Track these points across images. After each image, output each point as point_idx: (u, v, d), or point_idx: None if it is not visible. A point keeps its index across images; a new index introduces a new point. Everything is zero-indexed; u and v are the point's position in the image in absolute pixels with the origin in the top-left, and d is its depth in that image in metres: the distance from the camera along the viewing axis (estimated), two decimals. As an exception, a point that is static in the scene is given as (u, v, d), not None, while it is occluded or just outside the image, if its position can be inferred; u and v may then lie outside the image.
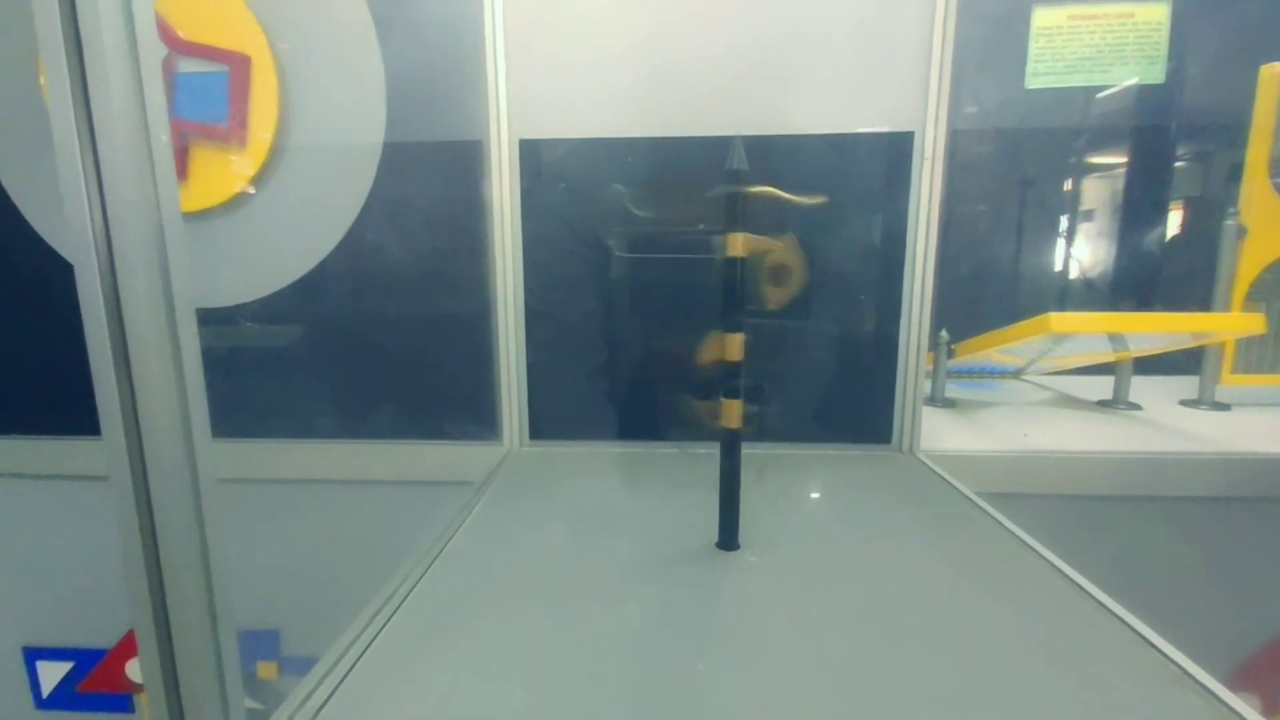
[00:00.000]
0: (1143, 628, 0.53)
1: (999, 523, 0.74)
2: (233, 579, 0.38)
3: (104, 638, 1.14)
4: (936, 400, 1.32)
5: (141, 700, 1.15)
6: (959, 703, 0.45)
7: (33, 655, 1.16)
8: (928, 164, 0.93)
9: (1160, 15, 1.57)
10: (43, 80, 1.00)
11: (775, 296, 0.60)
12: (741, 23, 0.93)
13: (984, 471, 0.93)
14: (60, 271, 1.07)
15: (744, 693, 0.46)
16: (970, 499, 0.81)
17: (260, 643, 1.08)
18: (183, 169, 1.05)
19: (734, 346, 0.62)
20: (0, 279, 1.10)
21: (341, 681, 0.47)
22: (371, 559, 0.96)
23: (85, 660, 1.15)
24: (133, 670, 1.14)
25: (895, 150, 0.94)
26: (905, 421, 0.99)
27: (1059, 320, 0.98)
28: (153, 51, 0.34)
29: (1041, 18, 1.59)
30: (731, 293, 0.61)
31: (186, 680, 0.35)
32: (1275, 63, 1.24)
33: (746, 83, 0.94)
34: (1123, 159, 1.65)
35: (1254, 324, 0.99)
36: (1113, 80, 1.60)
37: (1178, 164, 1.61)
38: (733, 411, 0.63)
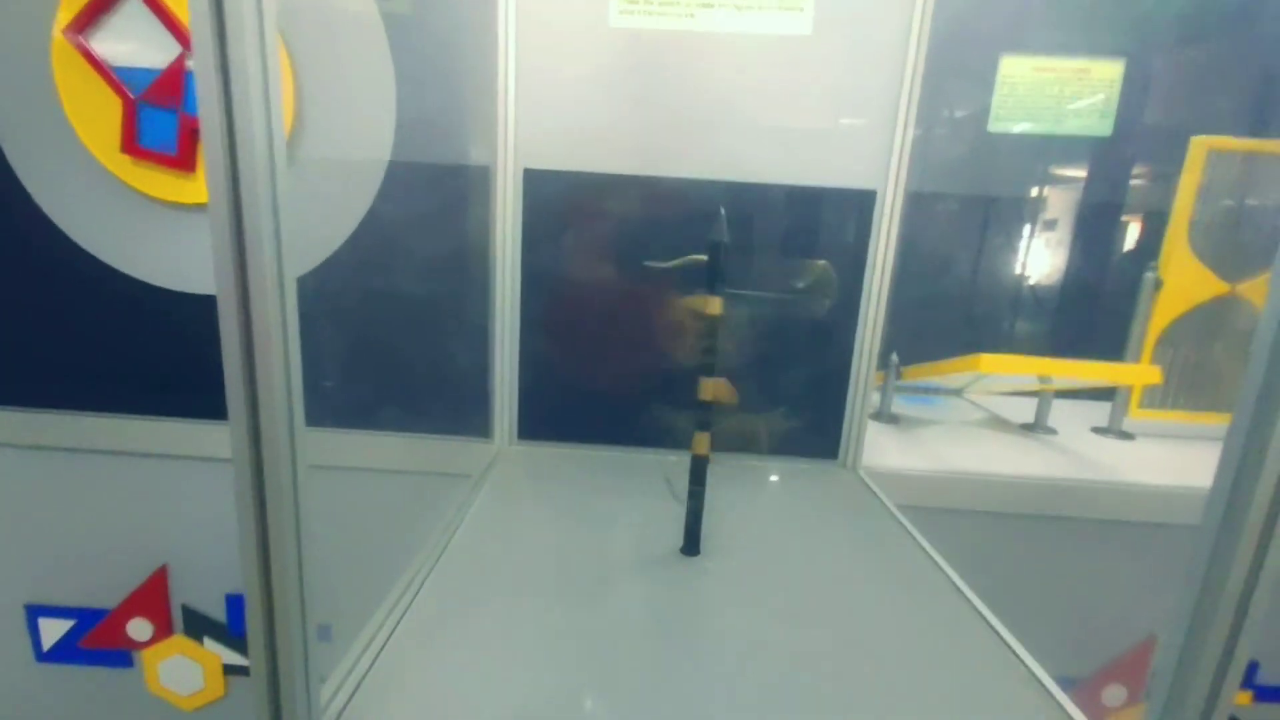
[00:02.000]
0: (1004, 631, 0.68)
1: (909, 534, 0.89)
2: (318, 553, 0.48)
3: (106, 599, 1.22)
4: (883, 416, 1.47)
5: (143, 656, 1.24)
6: (846, 682, 0.59)
7: (35, 612, 1.23)
8: (885, 219, 1.05)
9: (1114, 74, 1.71)
10: (59, 83, 1.05)
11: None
12: (730, 81, 1.03)
13: (912, 488, 1.08)
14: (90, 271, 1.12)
15: (695, 673, 0.59)
16: (893, 514, 0.96)
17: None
18: (194, 162, 1.10)
19: (708, 388, 0.74)
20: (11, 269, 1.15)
21: (378, 656, 0.59)
22: (377, 540, 1.07)
23: (86, 619, 1.23)
24: (134, 628, 1.23)
25: (859, 204, 1.06)
26: (851, 440, 1.13)
27: (988, 361, 1.13)
28: (276, 74, 0.42)
29: (1007, 66, 1.72)
30: (710, 345, 0.73)
31: (281, 630, 0.46)
32: (1204, 136, 1.39)
33: (731, 133, 1.05)
34: (1068, 204, 1.80)
35: (1152, 376, 1.16)
36: (1065, 130, 1.74)
37: (1116, 215, 1.77)
38: (702, 442, 0.76)
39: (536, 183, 1.07)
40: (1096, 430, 1.47)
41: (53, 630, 1.24)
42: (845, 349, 1.10)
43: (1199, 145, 1.38)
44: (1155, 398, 1.46)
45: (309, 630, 0.48)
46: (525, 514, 0.91)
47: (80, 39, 1.05)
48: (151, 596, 1.22)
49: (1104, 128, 1.72)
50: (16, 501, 1.19)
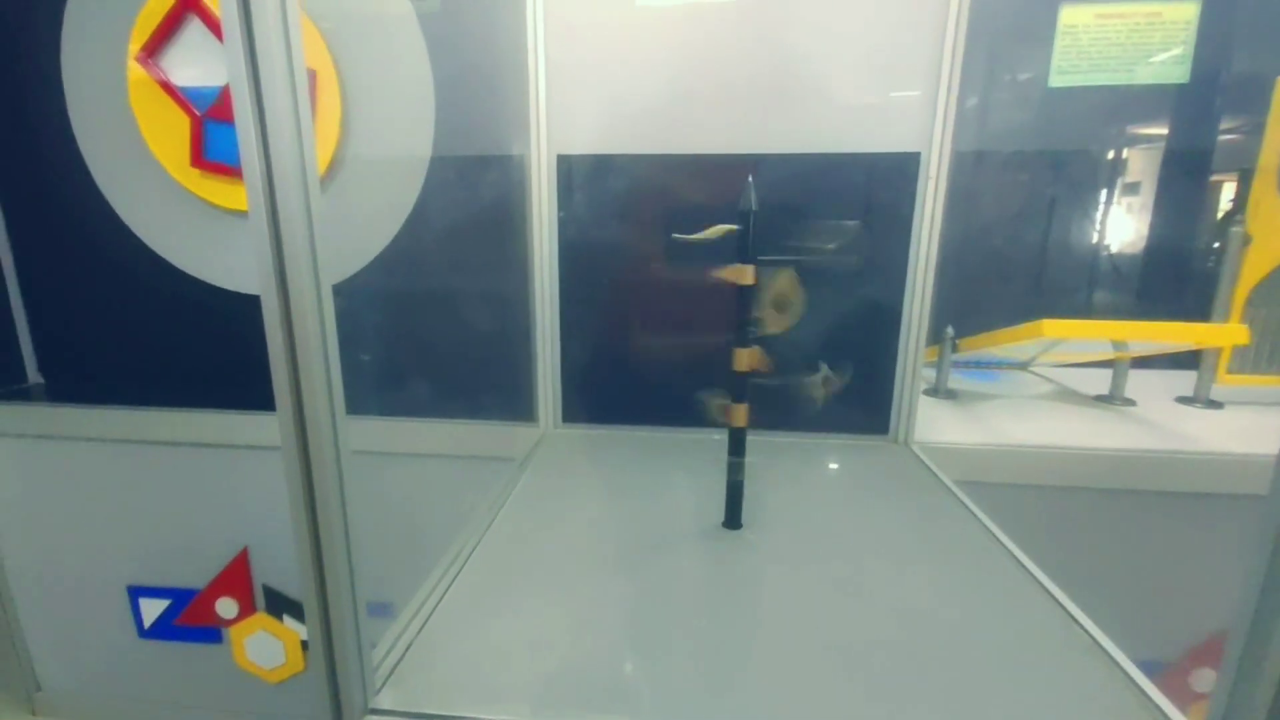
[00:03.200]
0: (1070, 605, 0.64)
1: (968, 509, 0.85)
2: (372, 531, 0.51)
3: (197, 580, 1.32)
4: (939, 392, 1.42)
5: (230, 632, 1.34)
6: (896, 651, 0.57)
7: (136, 593, 1.35)
8: (931, 182, 1.01)
9: (1189, 14, 1.58)
10: (134, 105, 1.13)
11: (776, 323, 0.71)
12: (762, 48, 1.01)
13: (967, 462, 1.04)
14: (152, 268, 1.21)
15: (725, 638, 0.59)
16: (949, 488, 0.92)
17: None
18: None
19: (743, 358, 0.73)
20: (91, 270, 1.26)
21: (426, 622, 0.62)
22: (428, 519, 1.12)
23: (181, 598, 1.34)
24: (221, 607, 1.33)
25: (903, 168, 1.02)
26: (901, 416, 1.09)
27: (1051, 326, 1.06)
28: (305, 87, 0.45)
29: (1068, 15, 1.61)
30: (744, 314, 0.72)
31: (334, 600, 0.49)
32: (1289, 74, 1.27)
33: (766, 105, 1.03)
34: (1141, 159, 1.68)
35: (1237, 336, 1.06)
36: (1136, 80, 1.62)
37: (1195, 168, 1.63)
38: (740, 413, 0.75)
39: (570, 168, 1.08)
40: (1181, 400, 1.37)
41: (152, 609, 1.35)
42: (893, 320, 1.06)
43: (1289, 85, 1.26)
44: (1246, 361, 1.34)
45: (358, 600, 0.51)
46: (567, 492, 0.93)
47: (151, 63, 1.14)
48: (236, 577, 1.31)
49: (1180, 74, 1.59)
50: (118, 492, 1.30)
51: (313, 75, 1.15)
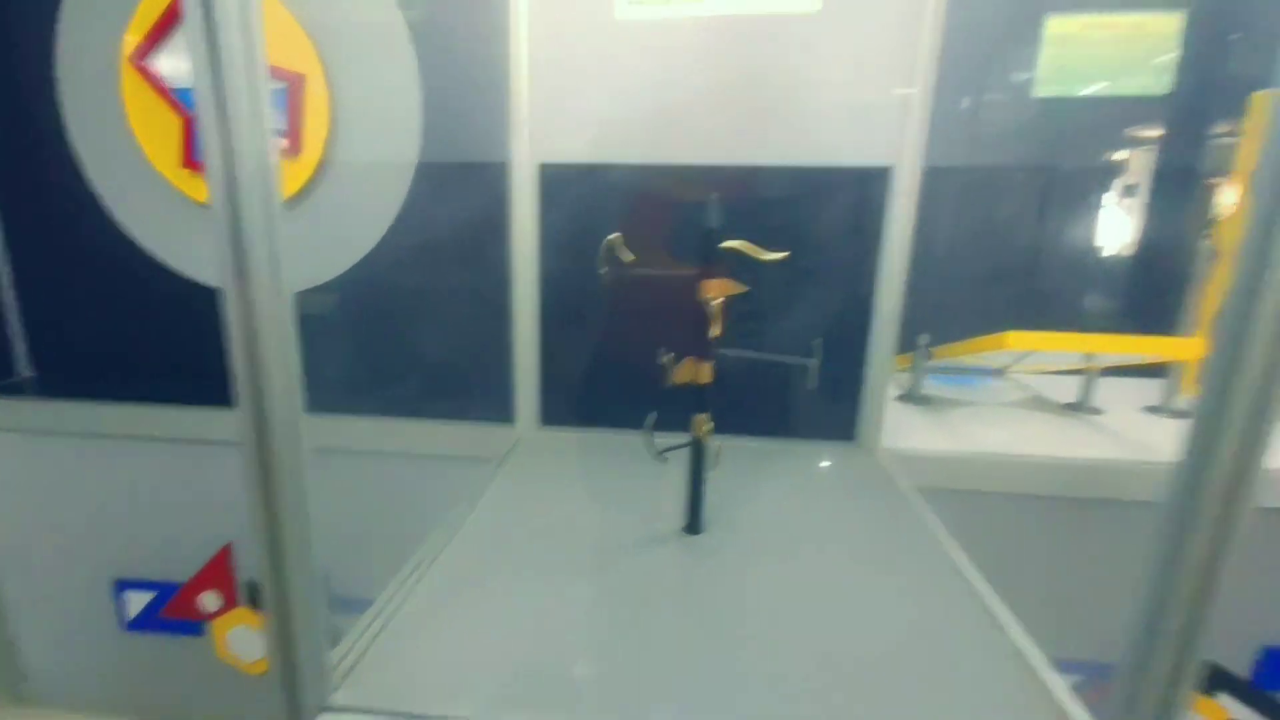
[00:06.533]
0: (1000, 612, 0.67)
1: (920, 516, 0.88)
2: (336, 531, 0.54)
3: (181, 574, 1.35)
4: (913, 398, 1.44)
5: (213, 626, 1.37)
6: (836, 659, 0.60)
7: (122, 586, 1.38)
8: (902, 195, 1.03)
9: (1171, 27, 1.60)
10: (128, 105, 1.15)
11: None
12: (741, 64, 1.03)
13: (932, 469, 1.06)
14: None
15: (675, 640, 0.61)
16: (905, 495, 0.95)
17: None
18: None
19: (705, 372, 0.76)
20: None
21: (389, 622, 0.64)
22: (403, 518, 1.14)
23: (165, 591, 1.36)
24: (203, 601, 1.36)
25: (874, 181, 1.05)
26: (868, 422, 1.12)
27: (1015, 338, 1.09)
28: (266, 83, 0.46)
29: (1055, 25, 1.63)
30: (703, 328, 0.75)
31: (291, 597, 0.51)
32: (1266, 90, 1.29)
33: (744, 117, 1.05)
34: (1122, 170, 1.69)
35: (1193, 349, 1.09)
36: (1120, 90, 1.64)
37: (1175, 180, 1.65)
38: (701, 424, 0.77)
39: (553, 177, 1.10)
40: (1149, 409, 1.39)
41: (136, 602, 1.38)
42: (861, 329, 1.08)
43: (1260, 101, 1.28)
44: (1215, 373, 1.37)
45: (315, 598, 0.53)
46: (537, 496, 0.95)
47: (143, 63, 1.16)
48: (219, 571, 1.34)
49: (1162, 85, 1.62)
50: (107, 486, 1.32)
51: (301, 79, 1.17)
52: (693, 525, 0.81)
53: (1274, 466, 1.04)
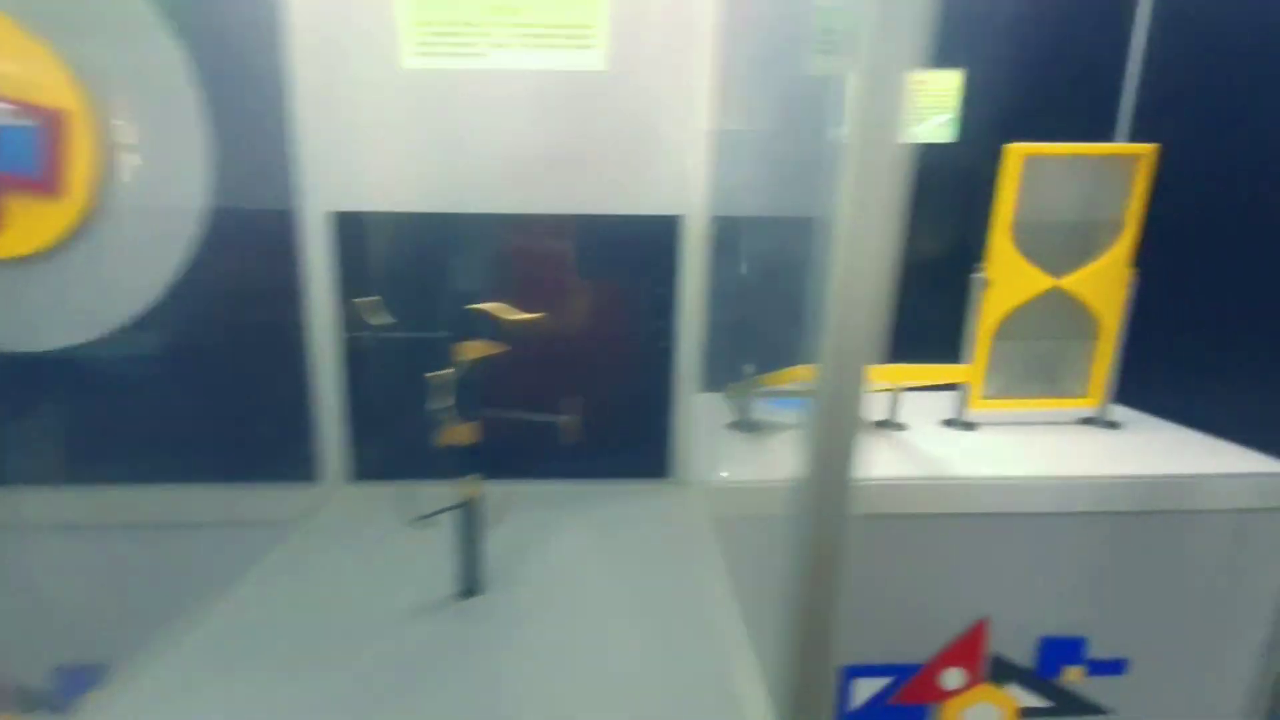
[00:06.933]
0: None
1: (709, 548, 0.92)
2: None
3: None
4: (743, 425, 1.52)
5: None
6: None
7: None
8: (693, 243, 1.09)
9: (953, 83, 1.80)
10: None
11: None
12: (533, 116, 1.05)
13: (745, 499, 1.12)
14: None
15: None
16: (700, 527, 0.99)
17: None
18: (-1, 222, 1.08)
19: (466, 433, 0.76)
20: None
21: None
22: (132, 603, 1.05)
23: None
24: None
25: (667, 229, 1.10)
26: (678, 456, 1.16)
27: (805, 371, 1.17)
28: None
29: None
30: (465, 389, 0.75)
31: None
32: (1016, 143, 1.48)
33: (537, 166, 1.07)
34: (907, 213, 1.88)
35: (959, 374, 1.23)
36: (914, 138, 1.82)
37: (952, 219, 1.85)
38: (470, 487, 0.77)
39: (348, 224, 1.07)
40: (946, 422, 1.55)
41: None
42: (663, 369, 1.13)
43: (1014, 152, 1.47)
44: (999, 387, 1.55)
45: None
46: (319, 563, 0.90)
47: None
48: None
49: (948, 134, 1.82)
50: None
51: (60, 115, 1.07)
52: (468, 589, 0.80)
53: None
